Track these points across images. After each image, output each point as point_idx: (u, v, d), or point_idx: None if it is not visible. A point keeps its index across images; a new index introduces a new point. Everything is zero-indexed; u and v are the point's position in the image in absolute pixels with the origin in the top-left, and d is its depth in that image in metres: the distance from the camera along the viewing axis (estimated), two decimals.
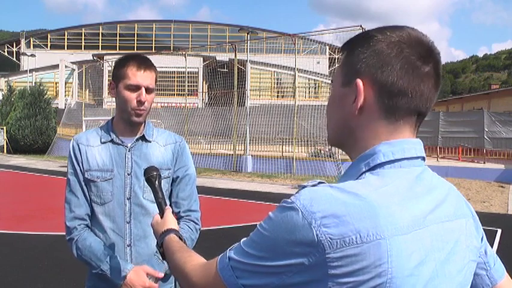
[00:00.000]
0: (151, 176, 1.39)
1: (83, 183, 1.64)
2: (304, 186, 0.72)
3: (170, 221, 1.19)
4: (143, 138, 1.70)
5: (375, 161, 0.74)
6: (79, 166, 1.65)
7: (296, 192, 0.70)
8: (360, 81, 0.74)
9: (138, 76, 1.59)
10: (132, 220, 1.64)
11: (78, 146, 1.67)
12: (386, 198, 0.67)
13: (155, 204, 1.34)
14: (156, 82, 1.68)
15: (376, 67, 0.73)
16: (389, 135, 0.75)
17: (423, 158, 0.77)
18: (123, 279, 1.54)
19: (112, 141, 1.68)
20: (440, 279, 0.69)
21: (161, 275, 1.58)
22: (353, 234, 0.63)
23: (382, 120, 0.75)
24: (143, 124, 1.72)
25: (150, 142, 1.71)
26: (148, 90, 1.62)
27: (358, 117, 0.76)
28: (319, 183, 0.74)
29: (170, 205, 1.71)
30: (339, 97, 0.79)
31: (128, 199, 1.64)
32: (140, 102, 1.60)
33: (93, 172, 1.63)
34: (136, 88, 1.60)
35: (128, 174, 1.65)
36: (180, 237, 1.10)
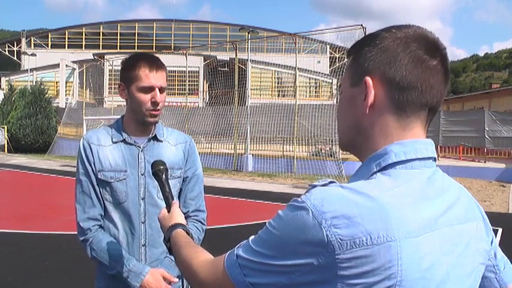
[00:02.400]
0: (158, 170, 1.38)
1: (95, 184, 1.62)
2: (314, 186, 0.71)
3: (177, 216, 1.17)
4: (155, 138, 1.69)
5: (386, 161, 0.73)
6: (91, 166, 1.62)
7: (306, 192, 0.69)
8: (369, 79, 0.74)
9: (151, 78, 1.57)
10: (147, 220, 1.64)
11: (90, 145, 1.63)
12: (398, 200, 0.66)
13: None
14: (166, 80, 1.66)
15: (384, 63, 0.73)
16: (401, 131, 0.74)
17: (434, 159, 0.76)
18: (140, 282, 1.54)
19: (124, 141, 1.65)
20: (451, 282, 0.68)
21: (176, 280, 1.59)
22: (363, 235, 0.62)
23: (393, 116, 0.74)
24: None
25: (162, 142, 1.70)
26: (161, 90, 1.61)
27: (369, 116, 0.75)
28: (330, 182, 0.73)
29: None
30: (349, 98, 0.79)
31: (142, 199, 1.64)
32: (155, 103, 1.59)
33: (106, 172, 1.61)
34: (150, 89, 1.58)
35: (142, 174, 1.64)
36: (187, 232, 1.09)
